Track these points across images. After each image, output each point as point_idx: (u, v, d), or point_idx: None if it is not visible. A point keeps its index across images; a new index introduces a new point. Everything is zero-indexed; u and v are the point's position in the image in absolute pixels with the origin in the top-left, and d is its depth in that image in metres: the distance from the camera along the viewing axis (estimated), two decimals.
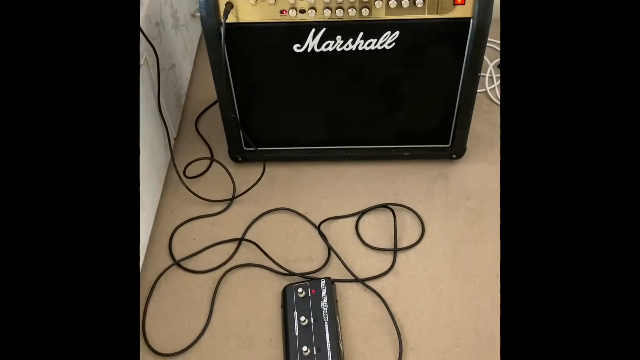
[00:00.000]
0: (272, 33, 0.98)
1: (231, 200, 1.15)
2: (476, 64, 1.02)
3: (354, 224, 1.11)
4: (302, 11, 0.95)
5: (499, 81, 1.36)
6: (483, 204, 1.13)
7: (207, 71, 1.41)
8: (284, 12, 0.95)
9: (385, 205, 1.13)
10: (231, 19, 0.95)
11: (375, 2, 0.93)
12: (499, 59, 1.41)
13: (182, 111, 1.32)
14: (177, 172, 1.13)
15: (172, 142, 1.21)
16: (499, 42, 1.45)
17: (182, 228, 1.12)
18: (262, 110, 1.12)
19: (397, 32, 0.97)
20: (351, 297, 1.00)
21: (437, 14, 0.95)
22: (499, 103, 1.32)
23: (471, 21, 0.96)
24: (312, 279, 1.01)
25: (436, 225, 1.10)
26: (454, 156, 1.18)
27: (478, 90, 1.06)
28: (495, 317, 0.96)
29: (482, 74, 1.14)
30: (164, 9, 1.16)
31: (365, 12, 0.94)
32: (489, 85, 1.35)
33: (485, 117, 1.29)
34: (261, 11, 0.95)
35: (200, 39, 1.51)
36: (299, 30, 0.97)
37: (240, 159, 1.19)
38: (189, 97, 1.36)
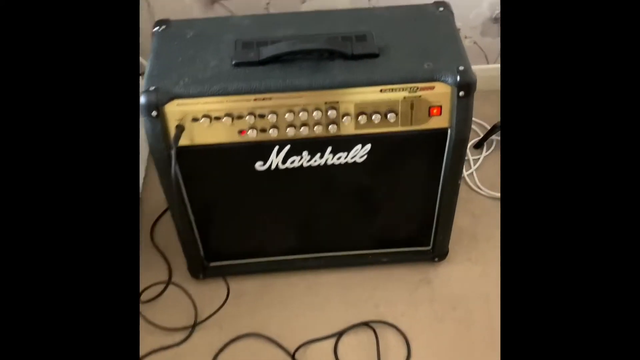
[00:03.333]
0: (231, 153, 0.87)
1: (193, 327, 1.02)
2: (456, 172, 0.93)
3: (332, 347, 1.00)
4: (263, 130, 0.85)
5: (477, 164, 1.29)
6: (471, 312, 1.04)
7: None
8: (243, 132, 0.85)
9: (365, 324, 1.02)
10: (184, 141, 0.84)
11: (343, 119, 0.84)
12: (475, 139, 1.33)
13: None
14: None
15: None
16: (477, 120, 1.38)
17: None
18: (223, 224, 1.01)
19: (369, 145, 0.88)
20: None
21: (411, 125, 0.86)
22: (479, 190, 1.24)
23: (449, 131, 0.87)
24: None
25: (422, 342, 1.00)
26: (436, 259, 1.09)
27: None
28: None
29: None
30: None
31: (332, 128, 0.85)
32: (467, 171, 1.27)
33: (465, 207, 1.20)
34: (217, 132, 0.84)
35: None
36: (261, 149, 0.87)
37: (201, 276, 1.07)
38: (143, 199, 1.24)
